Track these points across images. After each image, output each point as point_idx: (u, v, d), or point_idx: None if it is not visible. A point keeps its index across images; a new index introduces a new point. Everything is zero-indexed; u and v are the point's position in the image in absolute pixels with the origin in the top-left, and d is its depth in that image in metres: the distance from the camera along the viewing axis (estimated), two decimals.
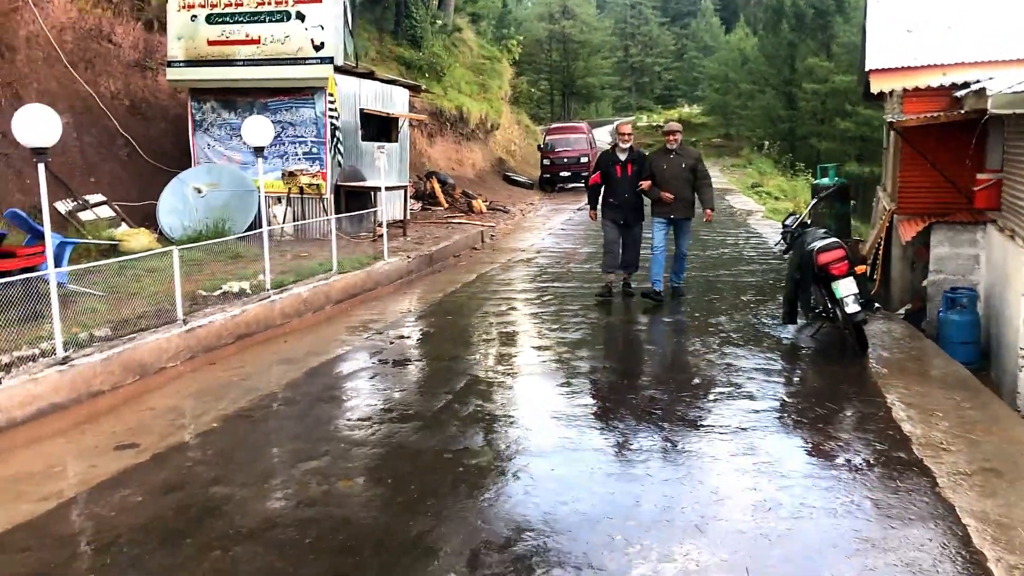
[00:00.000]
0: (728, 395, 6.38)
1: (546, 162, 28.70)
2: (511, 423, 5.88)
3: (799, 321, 8.34)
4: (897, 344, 7.93)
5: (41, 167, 6.41)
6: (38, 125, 6.24)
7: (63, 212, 13.06)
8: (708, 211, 9.94)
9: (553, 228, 18.84)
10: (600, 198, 10.15)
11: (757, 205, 24.05)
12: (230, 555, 4.00)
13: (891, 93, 10.10)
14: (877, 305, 8.59)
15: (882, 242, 10.41)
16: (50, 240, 6.91)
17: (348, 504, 4.57)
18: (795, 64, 43.97)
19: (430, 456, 5.23)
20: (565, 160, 28.20)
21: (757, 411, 5.96)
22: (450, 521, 4.29)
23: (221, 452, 5.39)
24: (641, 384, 6.90)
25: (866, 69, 9.96)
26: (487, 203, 21.48)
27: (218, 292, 9.17)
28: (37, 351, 6.74)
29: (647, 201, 10.03)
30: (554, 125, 34.26)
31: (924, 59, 9.59)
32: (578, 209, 22.80)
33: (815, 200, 9.98)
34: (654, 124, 56.76)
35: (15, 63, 14.30)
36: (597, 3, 72.92)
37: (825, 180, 10.14)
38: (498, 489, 4.76)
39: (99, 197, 13.64)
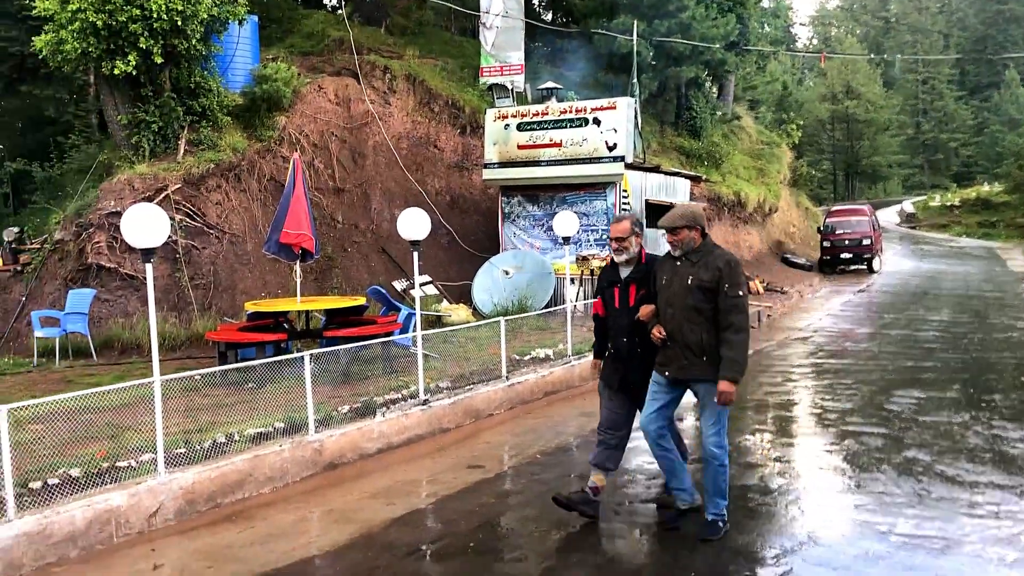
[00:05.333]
0: (987, 459, 6.97)
1: (826, 244, 28.77)
2: (783, 470, 6.92)
3: None
4: None
5: (415, 255, 8.48)
6: (415, 224, 8.30)
7: (399, 289, 15.75)
8: (722, 383, 5.17)
9: (832, 309, 19.20)
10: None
11: None
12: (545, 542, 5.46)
13: None
14: None
15: None
16: (418, 312, 8.96)
17: (649, 514, 5.89)
18: None
19: None
20: (846, 242, 28.17)
21: (1012, 472, 6.56)
22: (729, 529, 5.46)
23: (544, 475, 6.93)
24: (902, 446, 7.59)
25: None
26: (764, 284, 22.17)
27: (528, 357, 10.95)
28: (400, 395, 8.77)
29: None
30: (835, 208, 34.11)
31: None
32: (858, 291, 22.86)
33: None
34: (948, 204, 53.82)
35: (364, 167, 17.53)
36: (884, 80, 70.87)
37: None
38: (771, 513, 5.86)
39: (426, 278, 16.22)
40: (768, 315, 17.74)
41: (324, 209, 16.05)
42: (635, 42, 21.81)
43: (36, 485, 5.78)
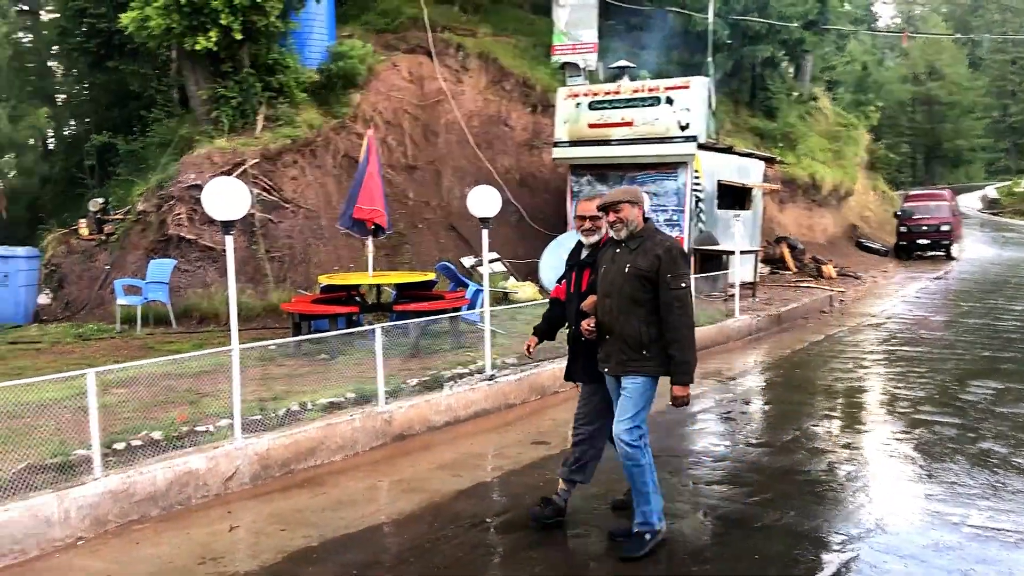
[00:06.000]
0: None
1: (903, 229, 28.07)
2: (852, 457, 6.83)
3: None
4: None
5: (484, 232, 8.54)
6: (485, 201, 8.36)
7: (467, 266, 15.88)
8: (675, 388, 4.85)
9: (907, 296, 18.75)
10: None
11: None
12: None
13: None
14: None
15: None
16: (486, 289, 9.05)
17: (714, 496, 5.89)
18: None
19: (779, 473, 6.39)
20: (924, 228, 27.46)
21: None
22: (795, 514, 5.44)
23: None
24: (977, 437, 7.40)
25: None
26: (837, 269, 21.75)
27: None
28: (467, 370, 8.89)
29: None
30: (913, 192, 33.22)
31: None
32: (935, 278, 22.26)
33: None
34: None
35: (436, 145, 17.67)
36: (970, 61, 68.28)
37: None
38: (838, 499, 5.81)
39: (494, 255, 16.31)
40: (841, 300, 17.42)
41: (396, 186, 16.24)
42: (711, 20, 21.46)
43: (120, 446, 6.05)
